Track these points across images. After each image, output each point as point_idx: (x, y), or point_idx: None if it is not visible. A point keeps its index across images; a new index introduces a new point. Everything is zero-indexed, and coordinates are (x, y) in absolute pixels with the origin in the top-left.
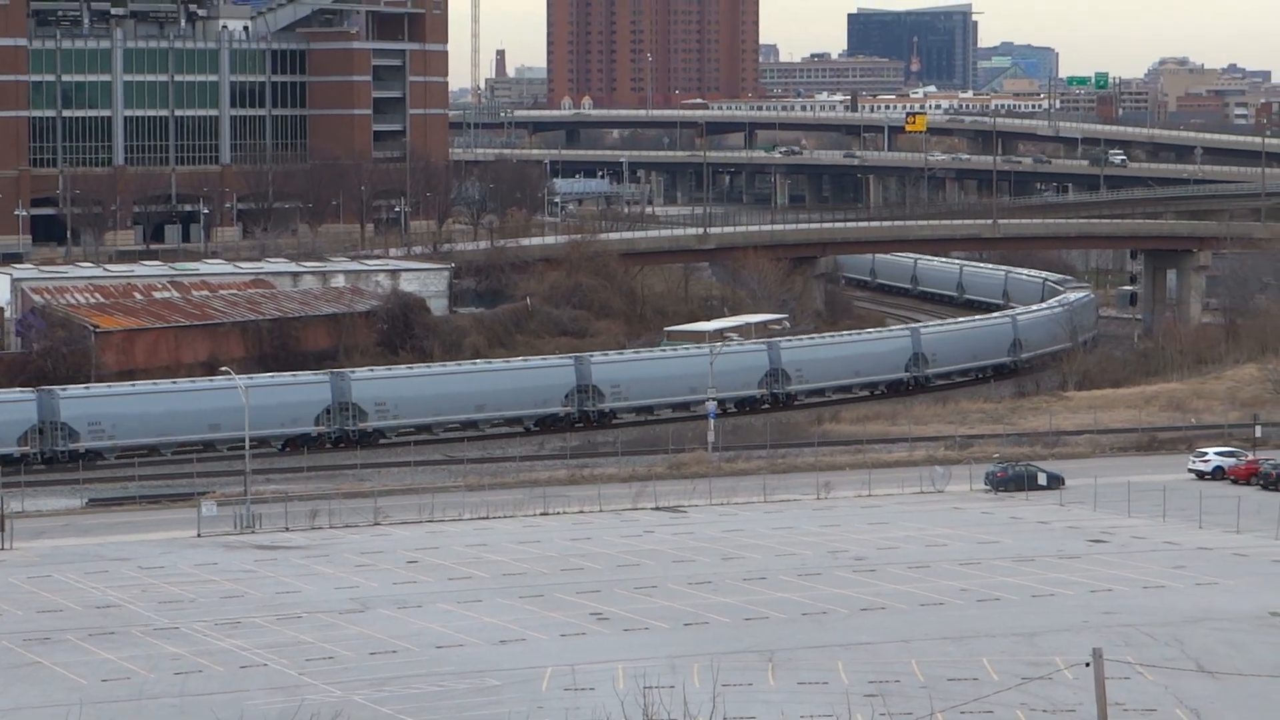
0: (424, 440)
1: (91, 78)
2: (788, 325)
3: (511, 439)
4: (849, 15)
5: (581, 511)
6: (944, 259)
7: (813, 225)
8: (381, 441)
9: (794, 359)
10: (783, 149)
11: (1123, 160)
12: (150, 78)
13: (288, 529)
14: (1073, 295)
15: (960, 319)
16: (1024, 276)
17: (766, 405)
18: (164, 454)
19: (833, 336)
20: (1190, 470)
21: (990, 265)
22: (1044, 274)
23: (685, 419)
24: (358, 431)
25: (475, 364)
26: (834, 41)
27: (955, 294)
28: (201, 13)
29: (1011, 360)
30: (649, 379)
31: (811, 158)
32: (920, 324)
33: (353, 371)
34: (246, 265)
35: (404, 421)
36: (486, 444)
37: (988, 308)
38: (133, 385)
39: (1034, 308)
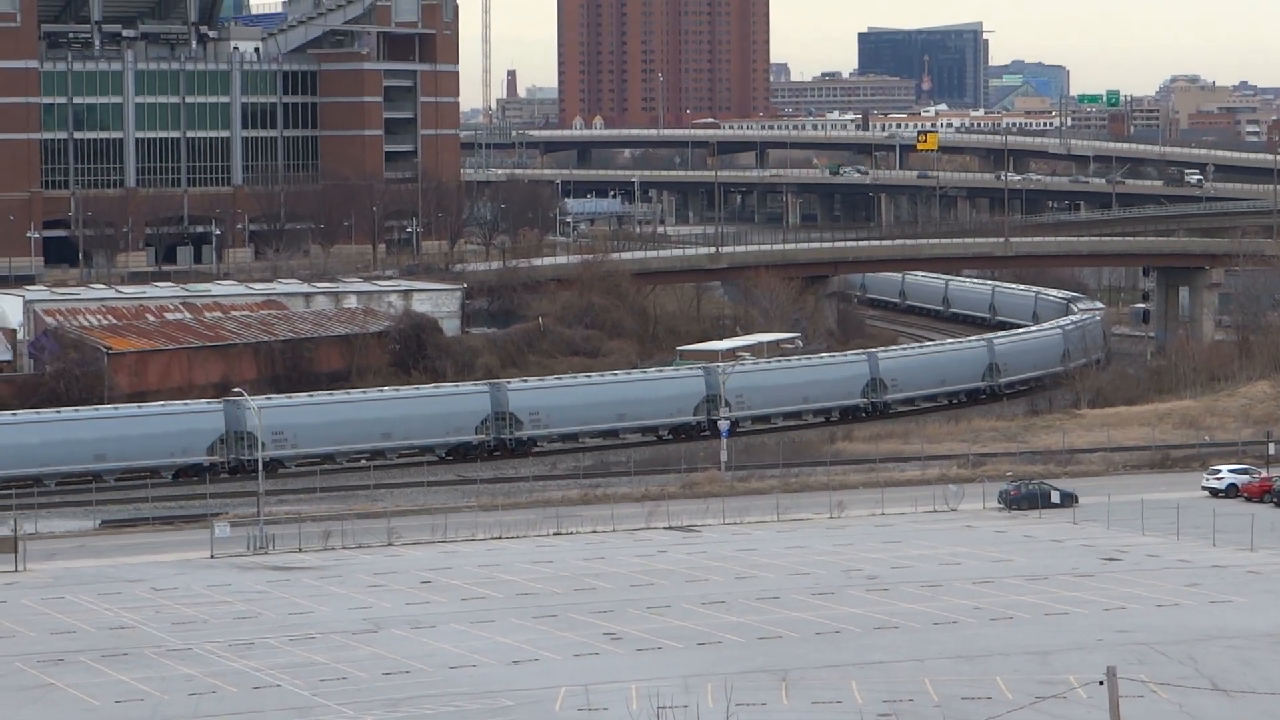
0: (329, 469)
1: (103, 100)
2: (800, 344)
3: (427, 466)
4: (860, 34)
5: (595, 531)
6: (975, 279)
7: (825, 244)
8: (280, 471)
9: (734, 385)
10: (859, 169)
11: (1199, 180)
12: (161, 99)
13: (301, 550)
14: (1075, 316)
15: (928, 344)
16: (1052, 297)
17: (706, 433)
18: (47, 484)
19: (779, 362)
20: (1204, 488)
21: (1021, 286)
22: (1070, 294)
23: (612, 446)
24: (252, 461)
25: (382, 391)
26: (845, 60)
27: (988, 315)
28: (212, 34)
29: (987, 385)
30: (570, 406)
31: (892, 177)
32: (878, 349)
33: (248, 399)
34: (259, 286)
35: (302, 451)
36: (400, 471)
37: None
38: (14, 415)
39: (1017, 332)
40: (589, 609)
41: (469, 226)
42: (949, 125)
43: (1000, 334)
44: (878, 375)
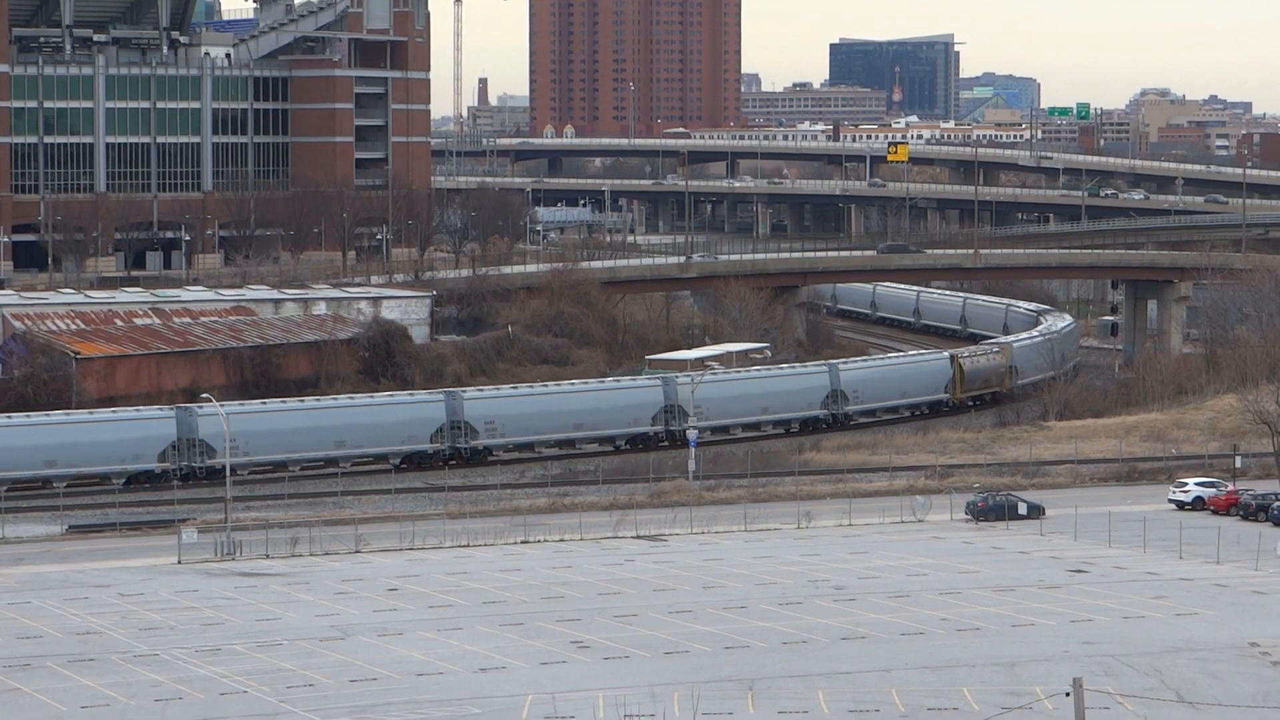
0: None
1: (74, 104)
2: (769, 354)
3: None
4: (831, 45)
5: (562, 539)
6: (901, 285)
7: (794, 254)
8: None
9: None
10: (1139, 193)
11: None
12: (132, 104)
13: (268, 556)
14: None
15: (988, 343)
16: (980, 301)
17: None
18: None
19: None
20: (1170, 501)
21: (951, 292)
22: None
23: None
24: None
25: (574, 384)
26: (816, 71)
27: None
28: (184, 40)
29: (828, 414)
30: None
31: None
32: (674, 374)
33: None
34: (228, 292)
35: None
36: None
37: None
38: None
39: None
40: (556, 617)
41: (439, 234)
42: (919, 137)
43: (843, 361)
44: (674, 401)
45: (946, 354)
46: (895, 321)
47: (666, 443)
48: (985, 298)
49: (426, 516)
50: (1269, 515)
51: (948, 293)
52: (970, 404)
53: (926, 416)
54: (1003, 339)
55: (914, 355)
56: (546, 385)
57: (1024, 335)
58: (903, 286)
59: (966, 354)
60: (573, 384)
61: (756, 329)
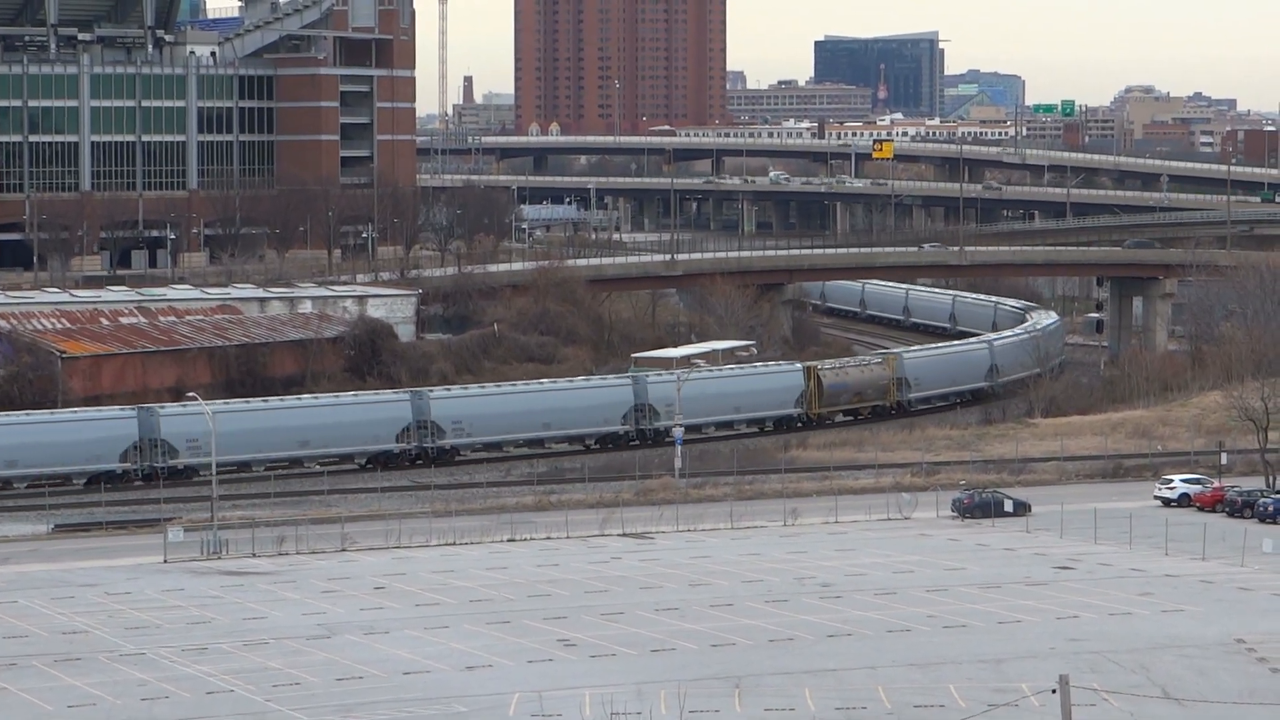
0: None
1: (59, 103)
2: (754, 351)
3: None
4: (816, 42)
5: (549, 538)
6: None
7: (780, 252)
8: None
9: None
10: None
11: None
12: (117, 103)
13: (255, 555)
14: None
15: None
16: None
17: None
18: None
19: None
20: (1156, 497)
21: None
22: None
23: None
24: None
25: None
26: (801, 68)
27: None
28: (169, 38)
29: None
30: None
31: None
32: (428, 389)
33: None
34: (213, 291)
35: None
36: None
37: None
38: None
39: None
40: (543, 615)
41: (424, 232)
42: (904, 134)
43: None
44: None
45: (800, 366)
46: (929, 328)
47: (422, 460)
48: (1013, 301)
49: (413, 515)
50: (1255, 512)
51: (981, 297)
52: (848, 419)
53: (772, 433)
54: (894, 349)
55: (757, 368)
56: (267, 400)
57: (919, 347)
58: (940, 291)
59: (829, 366)
60: (299, 399)
61: (742, 327)
